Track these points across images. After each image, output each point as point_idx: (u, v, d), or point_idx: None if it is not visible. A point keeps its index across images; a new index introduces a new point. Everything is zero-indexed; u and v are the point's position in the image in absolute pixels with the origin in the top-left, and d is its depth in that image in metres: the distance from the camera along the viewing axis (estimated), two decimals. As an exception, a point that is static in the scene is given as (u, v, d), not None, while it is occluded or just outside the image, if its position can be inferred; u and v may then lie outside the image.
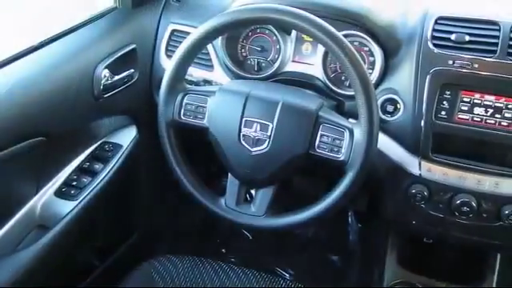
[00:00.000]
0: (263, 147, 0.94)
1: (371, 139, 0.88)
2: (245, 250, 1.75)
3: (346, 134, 0.90)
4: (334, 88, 1.11)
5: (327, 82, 1.12)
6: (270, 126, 0.93)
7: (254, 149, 0.94)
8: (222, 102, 0.97)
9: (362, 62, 0.88)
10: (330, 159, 0.92)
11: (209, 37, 0.95)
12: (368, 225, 1.66)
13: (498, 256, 1.21)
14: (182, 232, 1.72)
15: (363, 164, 0.89)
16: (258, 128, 0.93)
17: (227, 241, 1.76)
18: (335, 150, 0.91)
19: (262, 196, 0.99)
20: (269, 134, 0.93)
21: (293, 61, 1.17)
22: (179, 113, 1.00)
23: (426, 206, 1.06)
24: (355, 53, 0.88)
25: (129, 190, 1.33)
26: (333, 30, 0.88)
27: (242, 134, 0.95)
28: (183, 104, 0.99)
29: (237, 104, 0.95)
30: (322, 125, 0.92)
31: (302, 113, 0.93)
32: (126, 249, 1.37)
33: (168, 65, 1.00)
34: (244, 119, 0.94)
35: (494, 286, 1.18)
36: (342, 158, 0.91)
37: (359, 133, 0.89)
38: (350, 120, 0.96)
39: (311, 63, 1.15)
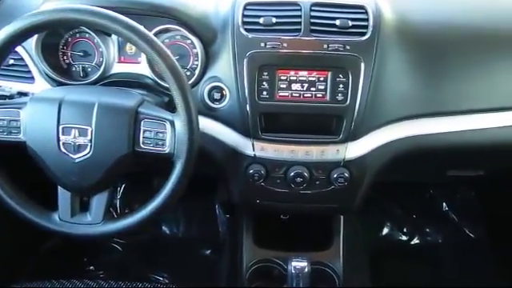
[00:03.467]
0: (86, 153, 0.91)
1: (192, 127, 0.89)
2: (116, 263, 1.69)
3: (168, 126, 0.91)
4: (162, 83, 1.11)
5: (156, 78, 1.12)
6: (89, 129, 0.90)
7: (77, 155, 0.91)
8: (36, 112, 0.92)
9: (169, 54, 0.89)
10: (157, 154, 0.92)
11: (4, 47, 0.89)
12: (234, 214, 1.70)
13: (342, 219, 1.30)
14: (43, 256, 1.62)
15: (189, 153, 0.90)
16: (77, 134, 0.90)
17: (95, 257, 1.69)
18: (160, 143, 0.91)
19: (97, 203, 0.96)
20: (89, 138, 0.90)
21: (119, 62, 1.15)
22: None
23: (265, 183, 1.11)
24: (161, 45, 0.89)
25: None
26: (136, 24, 0.88)
27: (61, 142, 0.90)
28: None
29: (51, 112, 0.90)
30: (143, 120, 0.91)
31: (120, 111, 0.91)
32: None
33: None
34: (61, 126, 0.90)
35: (341, 247, 1.27)
36: (167, 151, 0.91)
37: (179, 123, 0.90)
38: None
39: (137, 62, 1.14)
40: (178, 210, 1.80)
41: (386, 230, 1.80)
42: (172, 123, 0.91)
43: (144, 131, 0.91)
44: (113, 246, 1.74)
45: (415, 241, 1.79)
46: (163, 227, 1.79)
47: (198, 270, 1.65)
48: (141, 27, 0.88)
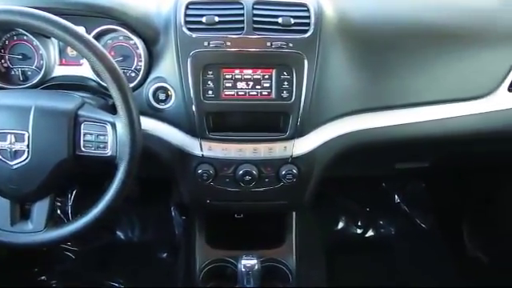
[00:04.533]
0: (23, 158, 0.88)
1: (133, 129, 0.88)
2: (69, 272, 1.65)
3: (109, 128, 0.89)
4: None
5: (99, 80, 1.10)
6: (26, 134, 0.87)
7: (14, 162, 0.88)
8: None
9: (107, 54, 0.88)
10: (99, 157, 0.90)
11: None
12: (190, 215, 1.69)
13: (294, 215, 1.31)
14: None
15: (131, 155, 0.89)
16: (13, 139, 0.87)
17: (47, 267, 1.64)
18: (101, 146, 0.90)
19: (38, 210, 0.93)
20: (26, 143, 0.87)
21: (60, 64, 1.12)
22: None
23: (214, 183, 1.11)
24: (98, 46, 0.87)
25: None
26: (70, 25, 0.86)
27: None
28: None
29: None
30: (84, 123, 0.90)
31: (58, 114, 0.89)
32: None
33: None
34: None
35: (293, 243, 1.28)
36: (109, 154, 0.90)
37: (120, 125, 0.89)
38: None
39: (79, 64, 1.12)
40: (132, 213, 1.77)
41: (341, 225, 1.83)
42: (113, 125, 0.89)
43: (84, 134, 0.89)
44: (66, 254, 1.69)
45: (370, 233, 1.83)
46: (118, 232, 1.76)
47: (154, 274, 1.63)
48: (76, 28, 0.86)
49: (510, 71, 1.17)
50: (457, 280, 1.63)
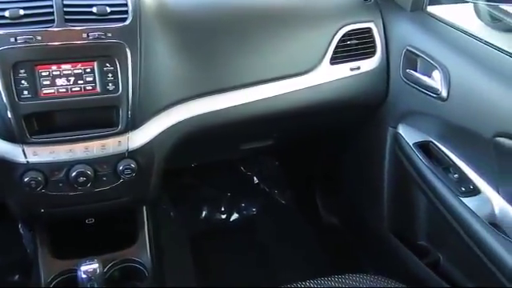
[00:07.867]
0: None
1: None
2: None
3: None
4: None
5: None
6: None
7: None
8: None
9: None
10: None
11: None
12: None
13: (145, 210, 1.27)
14: None
15: None
16: None
17: None
18: None
19: None
20: None
21: None
22: None
23: (46, 189, 1.02)
24: None
25: None
26: None
27: None
28: None
29: None
30: None
31: None
32: None
33: None
34: None
35: (147, 239, 1.24)
36: None
37: None
38: None
39: None
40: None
41: (204, 213, 1.83)
42: None
43: None
44: None
45: (233, 217, 1.86)
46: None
47: None
48: None
49: (329, 46, 1.26)
50: (317, 248, 1.74)
